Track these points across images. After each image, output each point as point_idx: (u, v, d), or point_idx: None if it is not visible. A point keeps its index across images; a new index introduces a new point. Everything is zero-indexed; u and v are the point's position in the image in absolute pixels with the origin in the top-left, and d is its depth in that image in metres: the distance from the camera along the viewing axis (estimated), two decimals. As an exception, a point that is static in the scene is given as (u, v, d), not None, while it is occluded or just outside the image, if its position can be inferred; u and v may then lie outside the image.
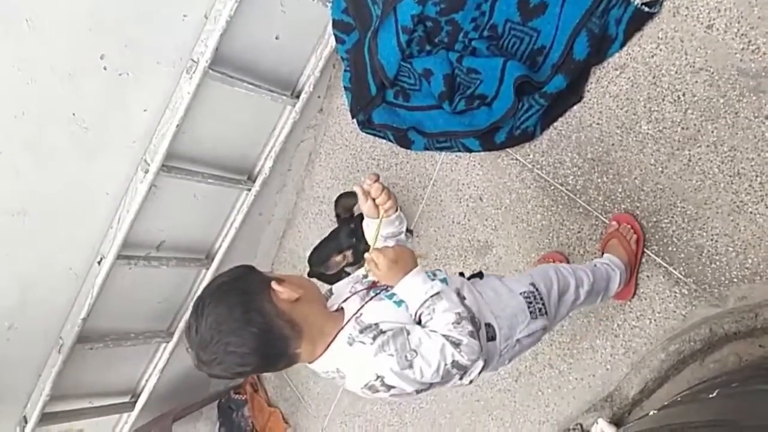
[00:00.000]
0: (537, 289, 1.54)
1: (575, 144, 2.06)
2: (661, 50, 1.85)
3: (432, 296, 1.25)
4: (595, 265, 1.82)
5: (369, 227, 1.43)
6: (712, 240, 1.78)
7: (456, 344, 1.18)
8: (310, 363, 1.27)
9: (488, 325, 1.38)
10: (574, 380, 2.09)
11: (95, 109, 2.24)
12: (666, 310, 1.88)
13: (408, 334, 1.20)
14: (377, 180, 1.35)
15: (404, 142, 2.55)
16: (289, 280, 1.23)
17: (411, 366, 1.17)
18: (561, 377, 2.12)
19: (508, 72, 2.10)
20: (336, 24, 2.57)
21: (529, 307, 1.50)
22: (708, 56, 1.76)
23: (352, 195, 2.63)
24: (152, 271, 2.78)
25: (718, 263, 1.78)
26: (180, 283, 3.01)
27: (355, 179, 2.85)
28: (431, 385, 1.24)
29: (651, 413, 1.43)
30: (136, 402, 3.15)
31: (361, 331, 1.22)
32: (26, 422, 2.77)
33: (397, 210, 1.39)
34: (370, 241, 1.41)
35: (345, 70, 2.64)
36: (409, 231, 2.65)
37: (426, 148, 2.48)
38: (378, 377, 1.18)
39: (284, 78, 2.71)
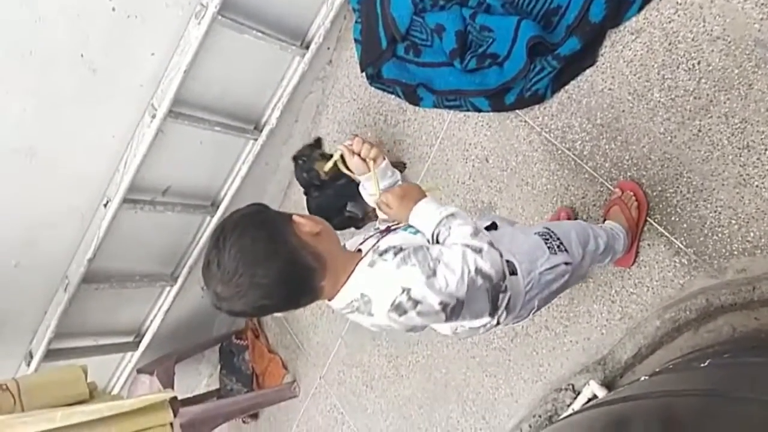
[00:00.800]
0: (551, 231, 1.55)
1: (585, 109, 2.04)
2: (679, 16, 1.81)
3: (447, 216, 1.26)
4: (601, 227, 1.84)
5: (366, 184, 1.43)
6: (715, 212, 1.79)
7: (477, 251, 1.19)
8: (330, 300, 1.25)
9: (508, 262, 1.38)
10: (568, 342, 2.13)
11: (103, 51, 2.22)
12: (664, 278, 1.90)
13: (428, 249, 1.20)
14: (356, 137, 1.39)
15: (413, 99, 2.53)
16: (307, 216, 1.23)
17: (435, 274, 1.16)
18: (556, 339, 2.16)
19: (522, 32, 2.06)
20: (349, -27, 2.52)
21: (546, 243, 1.51)
22: (726, 25, 1.72)
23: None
24: (158, 215, 2.80)
25: (720, 235, 1.78)
26: (185, 229, 3.04)
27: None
28: (460, 308, 1.20)
29: (642, 378, 1.46)
30: (140, 342, 3.22)
31: (380, 254, 1.21)
32: (32, 357, 2.84)
33: (384, 158, 1.40)
34: (373, 194, 1.41)
35: (356, 22, 2.60)
36: (402, 164, 2.66)
37: (435, 106, 2.46)
38: (404, 290, 1.15)
39: (294, 27, 2.66)
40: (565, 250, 1.53)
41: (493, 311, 1.29)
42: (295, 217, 1.19)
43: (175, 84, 2.35)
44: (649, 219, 1.91)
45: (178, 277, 3.11)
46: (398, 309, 1.17)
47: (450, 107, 2.42)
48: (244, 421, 3.46)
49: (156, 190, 2.78)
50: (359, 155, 1.37)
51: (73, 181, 2.50)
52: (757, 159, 1.69)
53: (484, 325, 1.38)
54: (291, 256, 1.14)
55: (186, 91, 2.45)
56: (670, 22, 1.83)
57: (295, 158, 2.93)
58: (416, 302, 1.16)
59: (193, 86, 2.48)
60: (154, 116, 2.41)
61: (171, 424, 2.77)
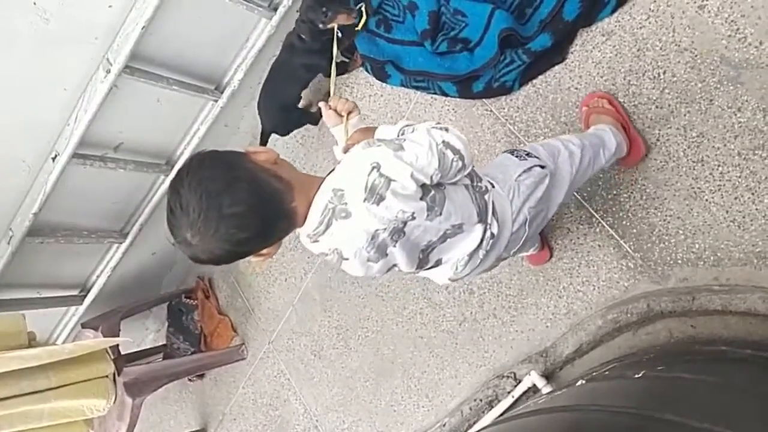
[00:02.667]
0: (515, 149, 1.57)
1: (551, 105, 2.05)
2: (650, 23, 1.82)
3: (408, 124, 1.27)
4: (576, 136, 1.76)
5: (339, 131, 1.42)
6: (665, 220, 1.83)
7: (443, 129, 1.21)
8: (303, 225, 1.19)
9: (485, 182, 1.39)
10: (514, 332, 2.19)
11: (56, 1, 2.09)
12: (610, 279, 1.96)
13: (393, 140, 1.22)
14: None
15: (381, 75, 2.48)
16: (260, 147, 1.23)
17: (402, 148, 1.15)
18: (503, 327, 2.22)
19: (495, 21, 2.04)
20: (323, -63, 2.42)
21: (512, 154, 1.52)
22: (695, 38, 1.73)
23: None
24: (109, 172, 2.71)
25: (666, 243, 1.84)
26: (137, 187, 2.96)
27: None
28: (442, 199, 1.21)
29: (580, 383, 1.52)
30: (85, 296, 3.17)
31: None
32: (-28, 308, 2.77)
33: (358, 113, 1.41)
34: (343, 141, 1.40)
35: (327, -8, 2.51)
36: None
37: (402, 85, 2.42)
38: (373, 167, 1.12)
39: (263, -12, 2.56)
40: (535, 156, 1.52)
41: (483, 215, 1.31)
42: (247, 149, 1.15)
43: (132, 39, 2.24)
44: (601, 221, 1.95)
45: (128, 234, 3.05)
46: (373, 193, 1.13)
47: (417, 88, 2.39)
48: (189, 380, 3.47)
49: (108, 145, 2.68)
50: (335, 110, 1.39)
51: (21, 132, 2.39)
52: (710, 174, 1.74)
53: (480, 244, 1.33)
54: (254, 179, 1.08)
55: (144, 47, 2.35)
56: (641, 27, 1.83)
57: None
58: (389, 180, 1.13)
59: (151, 42, 2.37)
60: (108, 71, 2.30)
61: (113, 376, 2.78)
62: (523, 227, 1.45)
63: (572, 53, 1.99)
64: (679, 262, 1.82)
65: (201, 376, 3.43)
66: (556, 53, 1.99)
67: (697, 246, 1.78)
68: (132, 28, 2.24)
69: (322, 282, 2.88)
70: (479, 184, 1.33)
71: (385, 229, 1.17)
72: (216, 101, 2.77)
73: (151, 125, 2.75)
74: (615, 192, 1.92)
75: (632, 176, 1.88)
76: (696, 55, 1.73)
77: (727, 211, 1.72)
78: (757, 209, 1.67)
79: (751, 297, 1.66)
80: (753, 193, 1.67)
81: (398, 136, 1.27)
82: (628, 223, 1.91)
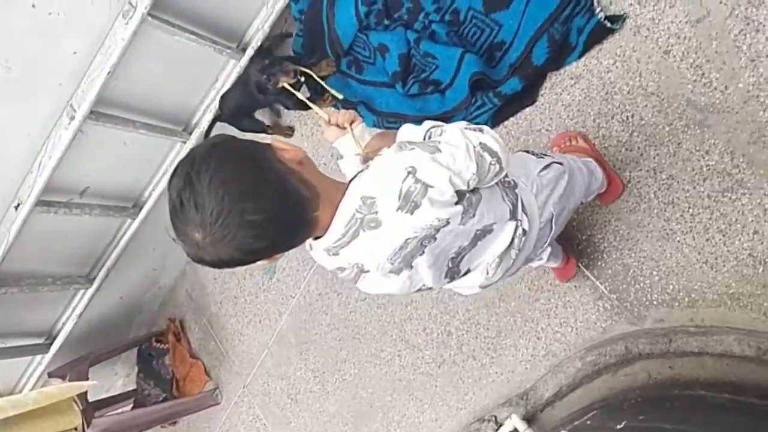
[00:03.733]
0: (529, 149, 1.54)
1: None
2: (617, 67, 1.84)
3: (433, 126, 1.15)
4: None
5: (344, 143, 1.31)
6: (639, 262, 1.84)
7: (478, 130, 1.11)
8: (321, 237, 1.07)
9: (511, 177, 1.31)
10: (494, 374, 2.17)
11: (20, 49, 2.04)
12: (588, 321, 1.95)
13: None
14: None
15: (352, 115, 2.47)
16: (287, 143, 1.06)
17: (438, 150, 1.05)
18: (482, 369, 2.20)
19: (465, 65, 2.05)
20: (291, -20, 2.42)
21: (529, 153, 1.47)
22: (661, 82, 1.76)
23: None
24: (74, 218, 2.64)
25: (641, 284, 1.84)
26: (104, 230, 2.88)
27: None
28: (477, 200, 1.11)
29: (561, 433, 1.50)
30: (51, 344, 3.06)
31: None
32: (-70, 363, 2.66)
33: (360, 122, 1.32)
34: (356, 149, 1.29)
35: (297, 35, 2.51)
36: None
37: (375, 125, 2.41)
38: (409, 171, 1.02)
39: (230, 29, 2.54)
40: (550, 155, 1.49)
41: (514, 212, 1.23)
42: (274, 143, 1.01)
43: (98, 85, 2.20)
44: (578, 263, 1.95)
45: (95, 279, 2.96)
46: (407, 201, 1.02)
47: (390, 129, 2.38)
48: (162, 427, 3.36)
49: (73, 191, 2.61)
50: (336, 125, 1.30)
51: (-19, 181, 2.32)
52: (681, 216, 1.76)
53: (511, 243, 1.24)
54: (282, 185, 0.96)
55: (109, 91, 2.30)
56: (608, 72, 1.86)
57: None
58: (426, 186, 1.02)
59: (117, 86, 2.33)
60: (72, 117, 2.25)
61: (81, 428, 2.67)
62: (549, 224, 1.38)
63: (542, 96, 2.01)
64: (655, 303, 1.83)
65: (174, 422, 3.33)
66: (527, 96, 2.01)
67: (671, 287, 1.79)
68: (97, 73, 2.20)
69: (298, 324, 2.83)
70: (507, 179, 1.25)
71: (416, 237, 1.07)
72: (185, 142, 2.72)
73: (118, 168, 2.69)
74: (589, 233, 1.93)
75: (605, 217, 1.89)
76: (663, 99, 1.76)
77: (699, 253, 1.73)
78: (728, 251, 1.69)
79: (727, 339, 1.67)
80: (724, 235, 1.69)
81: (425, 138, 1.15)
82: (603, 264, 1.91)
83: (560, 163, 1.47)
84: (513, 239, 1.24)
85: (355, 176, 1.10)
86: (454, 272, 1.22)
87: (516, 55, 1.96)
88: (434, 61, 2.17)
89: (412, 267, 1.12)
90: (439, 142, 1.08)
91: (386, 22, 2.25)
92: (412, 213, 1.03)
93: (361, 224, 1.04)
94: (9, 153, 2.31)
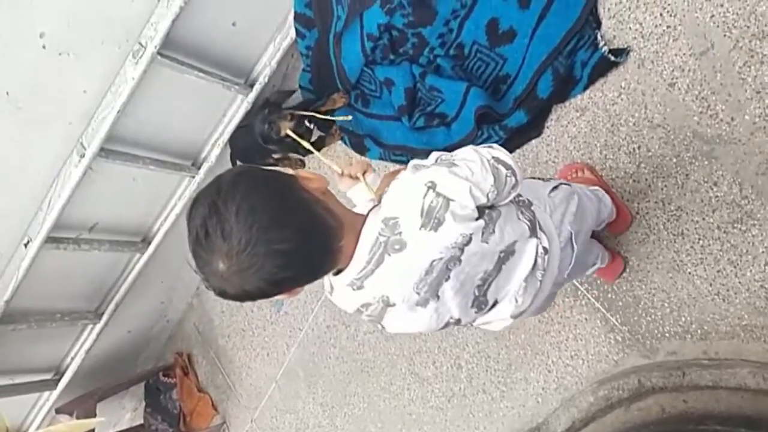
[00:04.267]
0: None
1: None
2: (622, 99, 1.85)
3: (441, 155, 1.14)
4: None
5: (357, 195, 1.32)
6: (649, 293, 1.83)
7: (488, 147, 1.13)
8: (343, 271, 1.05)
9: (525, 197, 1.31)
10: (505, 408, 2.14)
11: (30, 89, 2.08)
12: (599, 353, 1.93)
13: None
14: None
15: (360, 148, 2.49)
16: (311, 172, 1.05)
17: (455, 164, 1.05)
18: (493, 403, 2.17)
19: (471, 98, 2.06)
20: (298, 17, 2.46)
21: (535, 178, 1.47)
22: (667, 114, 1.77)
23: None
24: (84, 254, 2.65)
25: (653, 316, 1.83)
26: (113, 265, 2.89)
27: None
28: (497, 215, 1.10)
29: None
30: (59, 380, 3.05)
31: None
32: (-61, 400, 2.65)
33: (372, 170, 1.31)
34: (370, 195, 1.28)
35: (304, 70, 2.54)
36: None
37: (381, 158, 2.43)
38: (429, 187, 1.01)
39: (238, 65, 2.57)
40: (556, 179, 1.49)
41: (533, 230, 1.21)
42: (299, 173, 1.01)
43: (108, 123, 2.23)
44: (587, 294, 1.94)
45: (103, 314, 2.96)
46: (430, 217, 1.01)
47: (396, 161, 2.39)
48: (169, 462, 3.33)
49: (82, 226, 2.63)
50: (349, 175, 1.30)
51: (-8, 219, 2.34)
52: (691, 247, 1.75)
53: (535, 263, 1.22)
54: (308, 214, 0.95)
55: (119, 129, 2.33)
56: (613, 104, 1.87)
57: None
58: (447, 200, 1.01)
59: (126, 123, 2.36)
60: (82, 155, 2.28)
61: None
62: (569, 243, 1.36)
63: (548, 128, 2.01)
64: (667, 335, 1.81)
65: (181, 457, 3.30)
66: (533, 128, 2.02)
67: (683, 319, 1.78)
68: (107, 112, 2.23)
69: (306, 357, 2.81)
70: (521, 198, 1.24)
71: (441, 258, 1.04)
72: (193, 177, 2.75)
73: (127, 204, 2.71)
74: (598, 265, 1.92)
75: (614, 249, 1.88)
76: (669, 131, 1.76)
77: (710, 284, 1.72)
78: (740, 282, 1.67)
79: (741, 372, 1.65)
80: (735, 266, 1.68)
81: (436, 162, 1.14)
82: (613, 296, 1.90)
83: (568, 185, 1.46)
84: (536, 259, 1.22)
85: (373, 208, 1.09)
86: (481, 302, 1.19)
87: (521, 88, 1.98)
88: (440, 94, 2.19)
89: (438, 297, 1.09)
90: (454, 159, 1.08)
91: (392, 56, 2.27)
92: (436, 230, 1.01)
93: (385, 248, 1.02)
94: (19, 191, 2.33)
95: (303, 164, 2.75)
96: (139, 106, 2.33)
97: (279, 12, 2.51)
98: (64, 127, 2.25)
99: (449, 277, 1.08)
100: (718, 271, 1.71)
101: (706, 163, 1.71)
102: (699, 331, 1.75)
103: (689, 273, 1.76)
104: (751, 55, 1.59)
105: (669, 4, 1.72)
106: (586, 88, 1.91)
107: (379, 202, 1.10)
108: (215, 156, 2.72)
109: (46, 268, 2.56)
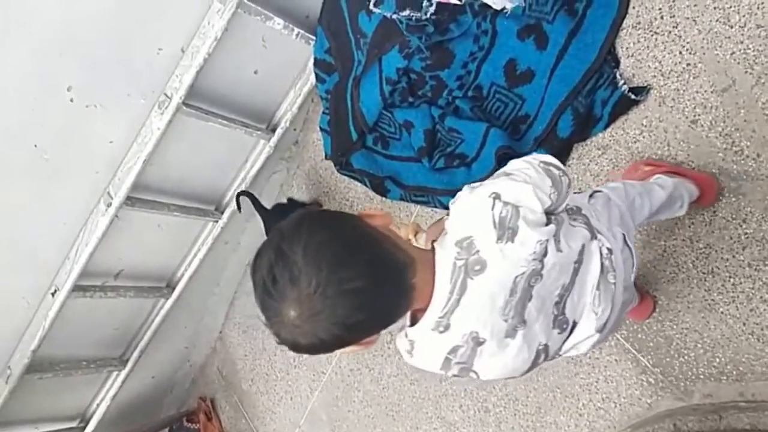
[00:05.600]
0: None
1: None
2: (644, 137, 1.84)
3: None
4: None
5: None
6: (681, 333, 1.79)
7: (532, 155, 1.10)
8: (413, 324, 1.00)
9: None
10: (534, 453, 2.09)
11: (58, 141, 2.13)
12: (631, 396, 1.88)
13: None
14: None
15: (380, 190, 2.49)
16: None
17: (510, 174, 1.03)
18: (522, 448, 2.12)
19: (491, 139, 2.07)
20: (318, 63, 2.50)
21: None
22: (690, 151, 1.75)
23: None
24: (109, 300, 2.67)
25: (686, 357, 1.78)
26: (137, 311, 2.91)
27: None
28: (561, 220, 1.06)
29: None
30: (84, 428, 3.04)
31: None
32: (-35, 450, 2.65)
33: (423, 230, 1.27)
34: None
35: (323, 113, 2.58)
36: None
37: (402, 199, 2.43)
38: (493, 198, 0.97)
39: (260, 111, 2.63)
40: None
41: (591, 231, 1.16)
42: (362, 212, 0.97)
43: (134, 173, 2.27)
44: (616, 334, 1.90)
45: (128, 360, 2.97)
46: (504, 228, 0.96)
47: (417, 202, 2.40)
48: None
49: (108, 274, 2.66)
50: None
51: (20, 268, 2.37)
52: (722, 285, 1.71)
53: (602, 265, 1.15)
54: (376, 250, 0.90)
55: (145, 177, 2.37)
56: (635, 142, 1.86)
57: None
58: (515, 207, 0.97)
59: (152, 171, 2.40)
60: (109, 204, 2.32)
61: None
62: (625, 244, 1.29)
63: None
64: (701, 377, 1.76)
65: (205, 505, 3.25)
66: (554, 168, 2.01)
67: (717, 360, 1.73)
68: (133, 162, 2.27)
69: (330, 401, 2.78)
70: (569, 206, 1.19)
71: (523, 273, 0.99)
72: (216, 221, 2.78)
73: (152, 250, 2.74)
74: (626, 304, 1.88)
75: (643, 288, 1.85)
76: (693, 168, 1.74)
77: (744, 324, 1.68)
78: (775, 321, 1.63)
79: (781, 414, 1.59)
80: (769, 305, 1.64)
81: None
82: (643, 337, 1.86)
83: (600, 191, 1.42)
84: (602, 262, 1.16)
85: (435, 241, 1.03)
86: (561, 321, 1.11)
87: (541, 128, 1.98)
88: (459, 135, 2.20)
89: (525, 322, 1.03)
90: (507, 170, 1.06)
91: (410, 99, 2.29)
92: (513, 241, 0.97)
93: (466, 272, 0.96)
94: (46, 241, 2.37)
95: None
96: (164, 155, 2.37)
97: (299, 58, 2.56)
98: (91, 177, 2.29)
99: (531, 296, 1.02)
100: (751, 310, 1.67)
101: (733, 199, 1.69)
102: (734, 372, 1.70)
103: (722, 312, 1.72)
104: (774, 91, 1.58)
105: (688, 42, 1.72)
106: (606, 126, 1.91)
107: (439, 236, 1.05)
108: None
109: (72, 316, 2.58)
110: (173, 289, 2.88)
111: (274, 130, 2.66)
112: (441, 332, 0.98)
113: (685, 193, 1.63)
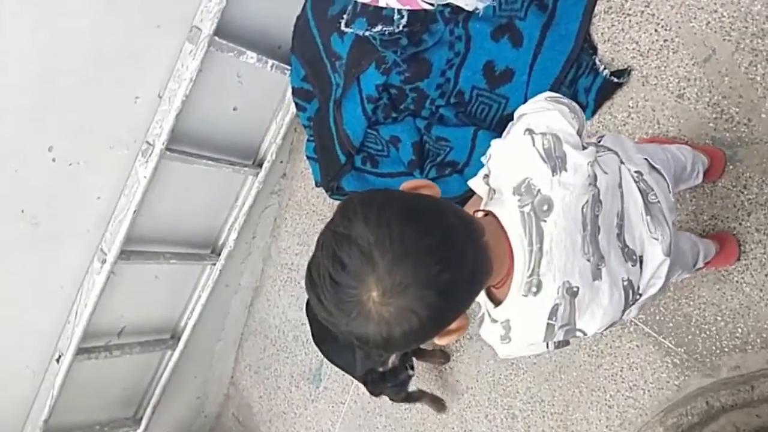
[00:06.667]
0: None
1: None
2: (632, 119, 1.84)
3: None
4: None
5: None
6: (699, 309, 1.76)
7: (537, 96, 1.06)
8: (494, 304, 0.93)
9: None
10: (569, 453, 2.04)
11: (45, 203, 2.10)
12: (659, 380, 1.85)
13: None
14: None
15: (374, 210, 2.47)
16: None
17: (525, 114, 0.99)
18: (555, 450, 2.07)
19: (479, 142, 2.06)
20: (296, 92, 2.50)
21: None
22: (681, 125, 1.75)
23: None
24: (115, 359, 2.61)
25: (707, 332, 1.76)
26: (144, 367, 2.84)
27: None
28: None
29: None
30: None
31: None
32: None
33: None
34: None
35: (308, 141, 2.56)
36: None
37: (398, 216, 2.41)
38: (529, 132, 0.92)
39: (245, 147, 2.61)
40: None
41: (618, 157, 1.11)
42: (404, 186, 0.89)
43: (125, 226, 2.23)
44: (633, 319, 1.87)
45: (141, 419, 2.88)
46: (552, 158, 0.90)
47: (413, 217, 2.38)
48: None
49: (110, 332, 2.60)
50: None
51: (21, 338, 2.32)
52: (733, 254, 1.69)
53: (640, 190, 1.09)
54: (438, 207, 0.81)
55: (136, 229, 2.33)
56: (624, 124, 1.85)
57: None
58: (552, 134, 0.91)
59: (143, 222, 2.37)
60: (104, 261, 2.27)
61: None
62: (653, 169, 1.20)
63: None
64: (726, 350, 1.73)
65: None
66: (547, 162, 2.00)
67: (740, 330, 1.70)
68: (123, 214, 2.24)
69: (353, 430, 2.71)
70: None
71: (587, 202, 0.92)
72: (214, 265, 2.73)
73: (152, 302, 2.69)
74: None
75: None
76: (686, 141, 1.74)
77: (761, 290, 1.66)
78: (792, 282, 1.61)
79: (814, 375, 1.56)
80: (783, 267, 1.62)
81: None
82: (661, 318, 1.83)
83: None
84: (638, 186, 1.10)
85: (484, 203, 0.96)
86: (630, 253, 1.03)
87: (529, 124, 1.97)
88: (447, 143, 2.19)
89: (603, 258, 0.95)
90: (520, 113, 1.02)
91: (394, 114, 2.29)
92: (565, 169, 0.90)
93: (536, 215, 0.89)
94: (45, 308, 2.32)
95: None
96: (154, 203, 2.34)
97: (277, 90, 2.55)
98: (83, 236, 2.26)
99: (599, 228, 0.95)
100: (766, 275, 1.65)
101: (731, 167, 1.68)
102: (758, 340, 1.68)
103: (736, 281, 1.70)
104: (755, 54, 1.58)
105: (662, 19, 1.73)
106: (594, 113, 1.91)
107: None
108: (233, 240, 2.71)
109: (80, 380, 2.52)
110: (178, 339, 2.82)
111: (260, 165, 2.63)
112: (535, 293, 0.89)
113: (699, 161, 1.58)
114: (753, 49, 1.59)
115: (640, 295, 1.07)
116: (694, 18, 1.67)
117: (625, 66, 1.82)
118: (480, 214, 0.95)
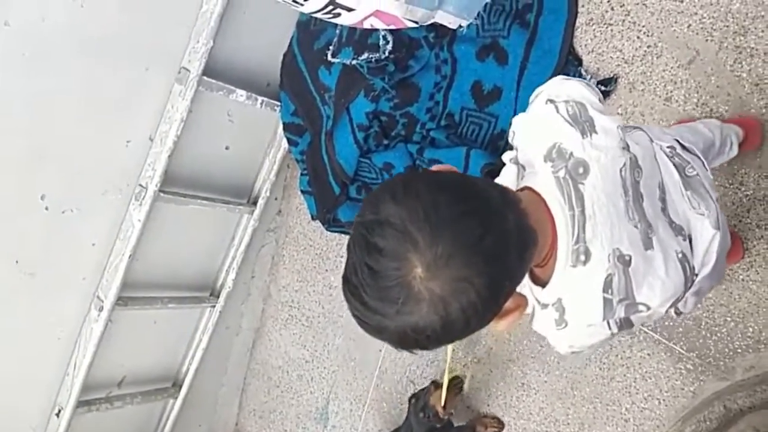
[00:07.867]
0: None
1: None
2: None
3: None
4: None
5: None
6: (708, 311, 1.74)
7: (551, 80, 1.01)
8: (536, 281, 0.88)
9: None
10: (589, 472, 1.98)
11: (39, 253, 2.07)
12: (673, 388, 1.81)
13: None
14: None
15: (372, 238, 2.46)
16: None
17: (542, 91, 0.96)
18: (575, 470, 2.01)
19: (473, 161, 2.06)
20: (287, 127, 2.51)
21: None
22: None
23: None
24: (116, 411, 2.55)
25: (718, 335, 1.73)
26: (147, 417, 2.77)
27: (323, 279, 2.74)
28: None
29: None
30: None
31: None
32: None
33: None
34: None
35: (302, 174, 2.56)
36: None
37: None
38: (552, 102, 0.89)
39: (239, 186, 2.60)
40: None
41: (648, 135, 1.08)
42: (428, 170, 0.86)
43: (121, 271, 2.21)
44: (642, 327, 1.85)
45: (147, 471, 2.81)
46: (578, 122, 0.87)
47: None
48: None
49: (111, 383, 2.54)
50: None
51: (19, 393, 2.26)
52: (736, 252, 1.68)
53: (674, 165, 1.06)
54: (469, 179, 0.77)
55: (132, 274, 2.30)
56: (615, 133, 1.86)
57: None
58: (576, 101, 0.89)
59: (139, 267, 2.34)
60: (101, 309, 2.23)
61: None
62: (683, 148, 1.16)
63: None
64: (739, 350, 1.70)
65: None
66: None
67: (751, 329, 1.68)
68: (119, 260, 2.21)
69: (365, 468, 2.64)
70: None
71: (624, 165, 0.87)
72: (213, 307, 2.69)
73: (152, 349, 2.64)
74: (646, 295, 1.84)
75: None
76: (678, 144, 1.75)
77: (767, 286, 1.65)
78: (798, 276, 1.60)
79: (831, 369, 1.54)
80: (788, 261, 1.61)
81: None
82: (670, 323, 1.81)
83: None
84: (673, 162, 1.07)
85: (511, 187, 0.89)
86: (678, 228, 0.98)
87: (520, 140, 1.98)
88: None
89: (651, 226, 0.89)
90: (539, 92, 0.99)
91: (385, 141, 2.29)
92: (595, 131, 0.86)
93: (572, 178, 0.84)
94: (42, 360, 2.27)
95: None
96: (149, 247, 2.32)
97: (268, 127, 2.56)
98: (79, 285, 2.22)
99: (642, 195, 0.90)
100: (771, 271, 1.64)
101: (725, 165, 1.68)
102: (772, 338, 1.65)
103: (742, 279, 1.68)
104: (739, 51, 1.61)
105: (643, 26, 1.76)
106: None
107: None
108: (231, 281, 2.68)
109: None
110: (180, 386, 2.76)
111: (255, 203, 2.63)
112: (584, 262, 0.82)
113: (731, 133, 1.55)
114: (737, 47, 1.61)
115: (696, 275, 1.02)
116: (675, 22, 1.70)
117: (611, 74, 1.84)
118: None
